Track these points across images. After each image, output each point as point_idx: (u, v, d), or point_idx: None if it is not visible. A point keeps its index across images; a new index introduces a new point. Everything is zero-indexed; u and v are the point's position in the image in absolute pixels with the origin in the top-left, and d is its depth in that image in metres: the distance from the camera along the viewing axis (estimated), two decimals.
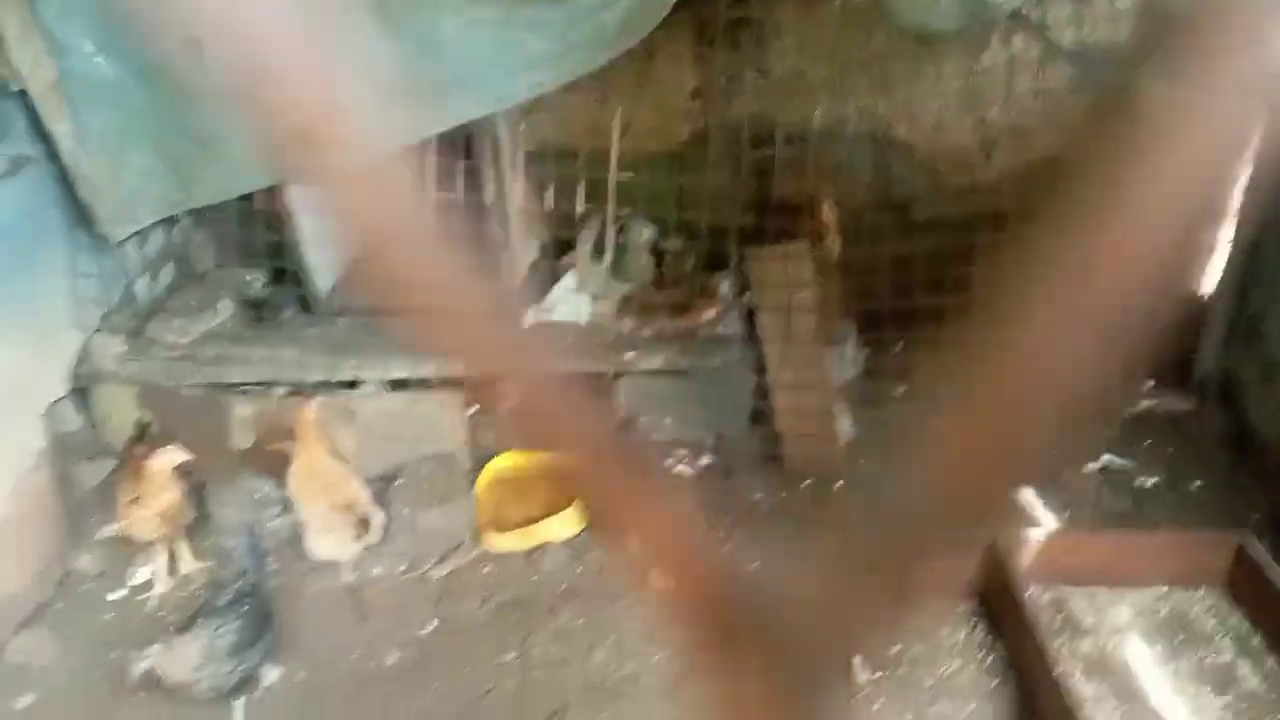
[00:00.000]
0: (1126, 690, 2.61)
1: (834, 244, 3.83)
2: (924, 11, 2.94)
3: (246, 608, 2.72)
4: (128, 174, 3.30)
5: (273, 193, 3.48)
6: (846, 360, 3.75)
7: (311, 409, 3.13)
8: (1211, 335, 3.53)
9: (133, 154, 3.30)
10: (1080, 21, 3.57)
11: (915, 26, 3.07)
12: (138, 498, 2.95)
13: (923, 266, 3.39)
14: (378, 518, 3.10)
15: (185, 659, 2.59)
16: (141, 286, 3.68)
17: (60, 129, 3.14)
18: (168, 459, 2.96)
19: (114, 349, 3.45)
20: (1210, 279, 3.68)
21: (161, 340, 3.56)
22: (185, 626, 2.69)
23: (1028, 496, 3.33)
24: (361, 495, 3.10)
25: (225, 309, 3.75)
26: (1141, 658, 2.72)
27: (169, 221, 3.75)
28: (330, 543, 3.07)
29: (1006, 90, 3.76)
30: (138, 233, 3.52)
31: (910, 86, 3.96)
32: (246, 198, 3.43)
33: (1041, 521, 3.26)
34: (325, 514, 3.06)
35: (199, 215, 3.86)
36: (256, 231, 3.59)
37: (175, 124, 3.27)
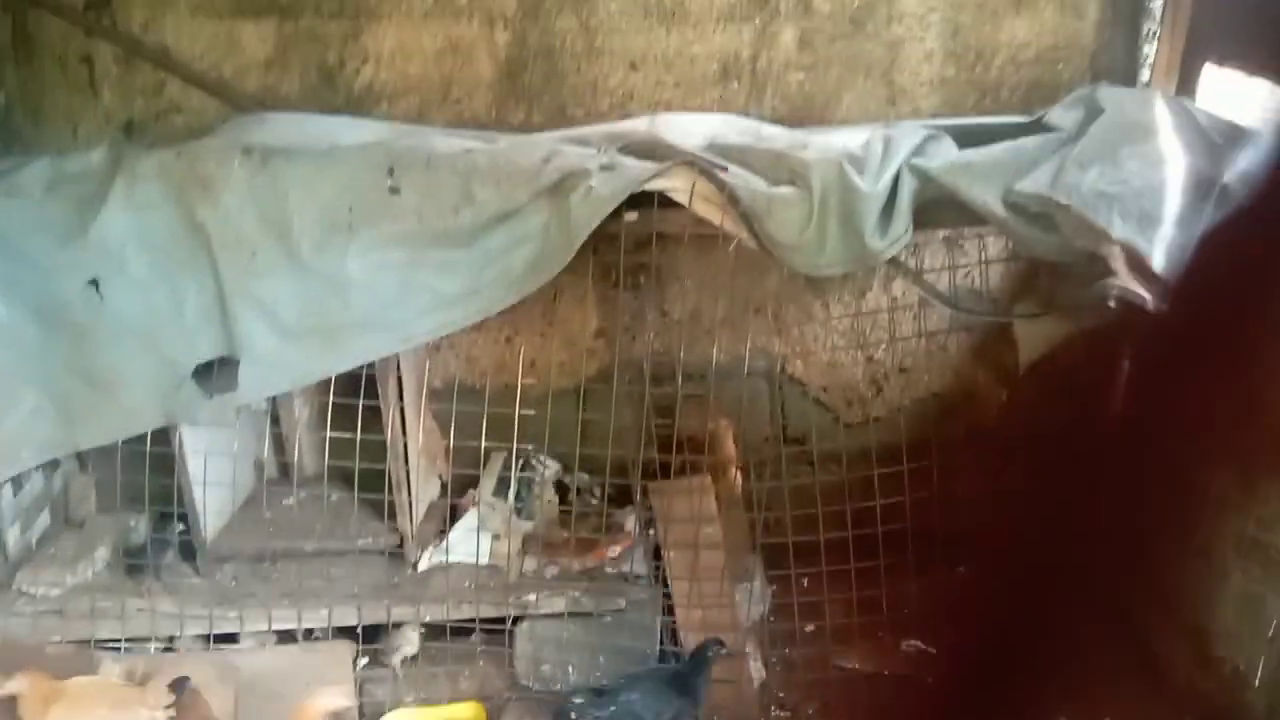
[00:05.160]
0: None
1: (736, 478, 3.86)
2: (811, 257, 3.13)
3: None
4: (14, 414, 3.19)
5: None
6: (754, 597, 3.69)
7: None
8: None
9: (21, 395, 3.20)
10: (954, 268, 3.86)
11: (803, 270, 3.26)
12: None
13: (822, 500, 3.43)
14: None
15: None
16: (13, 536, 3.45)
17: None
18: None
19: None
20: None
21: (29, 593, 3.32)
22: None
23: None
24: None
25: (102, 557, 3.53)
26: None
27: (50, 466, 3.59)
28: None
29: (890, 331, 3.97)
30: (14, 479, 3.36)
31: (802, 327, 4.16)
32: (137, 439, 3.32)
33: None
34: None
35: (83, 458, 3.71)
36: (144, 474, 3.45)
37: (70, 365, 3.20)
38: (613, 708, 3.03)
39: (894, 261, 3.38)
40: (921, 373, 4.06)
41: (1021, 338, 3.75)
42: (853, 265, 3.17)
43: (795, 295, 4.09)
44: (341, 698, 2.88)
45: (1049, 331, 3.66)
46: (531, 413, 3.50)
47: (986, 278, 3.90)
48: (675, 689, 3.11)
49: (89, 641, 3.21)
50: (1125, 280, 3.06)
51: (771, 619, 3.77)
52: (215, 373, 3.22)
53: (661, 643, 3.46)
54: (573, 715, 3.00)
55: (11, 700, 2.88)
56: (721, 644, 3.22)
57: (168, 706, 2.88)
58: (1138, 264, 3.05)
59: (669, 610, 3.47)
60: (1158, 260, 3.07)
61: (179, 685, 2.88)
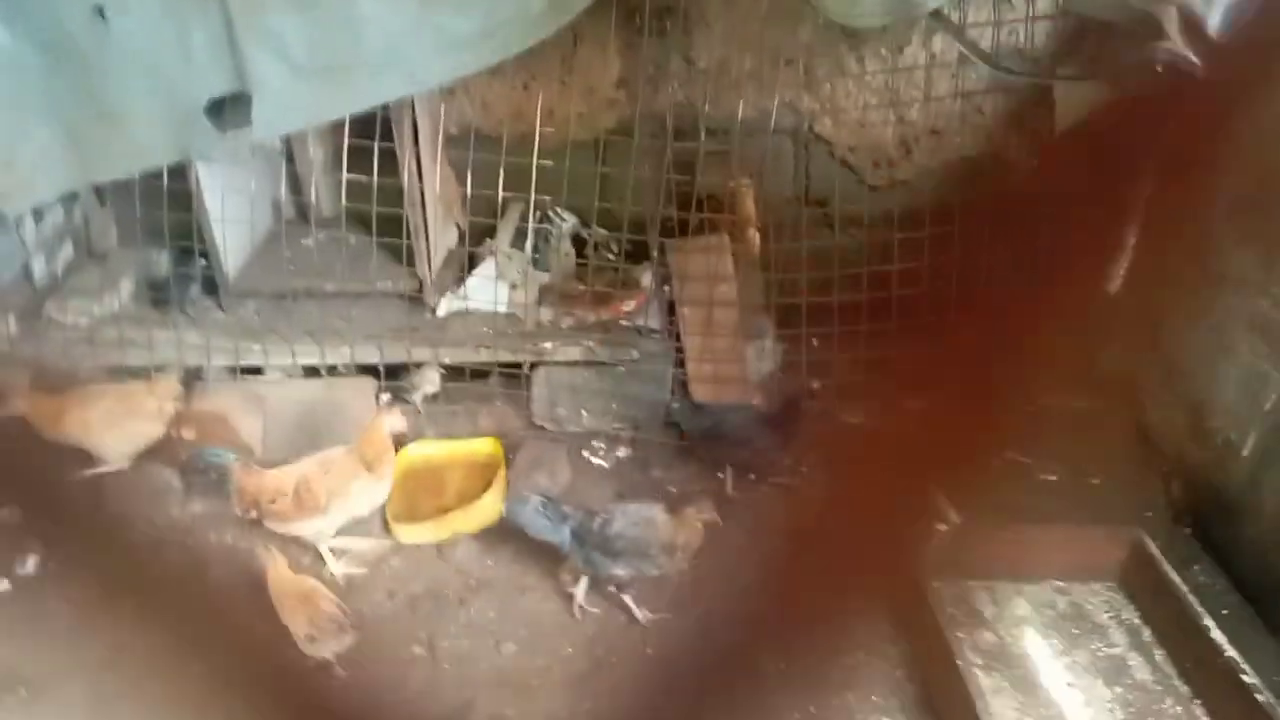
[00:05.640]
0: (1024, 681, 2.68)
1: (754, 238, 3.84)
2: (849, 6, 2.95)
3: None
4: (26, 147, 3.14)
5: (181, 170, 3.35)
6: (764, 354, 3.77)
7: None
8: (1112, 335, 3.62)
9: (32, 127, 3.14)
10: (999, 24, 3.64)
11: (840, 20, 3.08)
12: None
13: (839, 263, 3.43)
14: None
15: None
16: (38, 265, 3.52)
17: None
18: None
19: (7, 329, 3.30)
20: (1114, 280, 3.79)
21: (58, 321, 3.42)
22: None
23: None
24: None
25: (127, 289, 3.61)
26: (1039, 649, 2.79)
27: (70, 199, 3.59)
28: None
29: (926, 90, 3.81)
30: (35, 210, 3.37)
31: (833, 82, 3.99)
32: (153, 175, 3.30)
33: (946, 516, 3.33)
34: None
35: (101, 193, 3.70)
36: (162, 210, 3.46)
37: (78, 98, 3.12)
38: (709, 423, 3.35)
39: (936, 14, 3.19)
40: (953, 135, 3.93)
41: (1061, 102, 3.60)
42: (894, 14, 2.98)
43: (829, 48, 3.89)
44: (401, 420, 3.06)
45: (1090, 97, 3.50)
46: (549, 163, 3.44)
47: (1032, 36, 3.69)
48: (769, 425, 3.31)
49: (119, 369, 3.34)
50: (1176, 44, 2.89)
51: (780, 376, 3.88)
52: (228, 109, 3.15)
53: (672, 393, 3.57)
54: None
55: (22, 419, 3.01)
56: (814, 394, 3.39)
57: (176, 399, 3.02)
58: (1192, 25, 2.87)
59: (680, 364, 3.56)
60: (1213, 22, 2.88)
61: (189, 381, 3.01)
